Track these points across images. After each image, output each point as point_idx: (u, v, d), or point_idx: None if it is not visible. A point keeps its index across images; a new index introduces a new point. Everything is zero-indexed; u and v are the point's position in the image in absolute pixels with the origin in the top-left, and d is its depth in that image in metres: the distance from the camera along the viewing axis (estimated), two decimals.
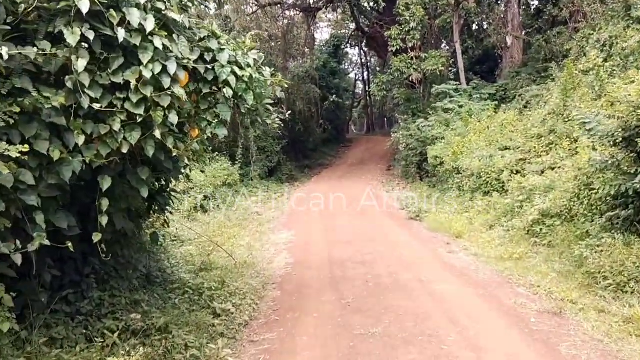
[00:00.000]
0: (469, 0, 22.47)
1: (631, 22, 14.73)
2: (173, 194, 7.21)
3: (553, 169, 12.09)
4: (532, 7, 28.78)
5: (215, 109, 5.13)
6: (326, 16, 43.41)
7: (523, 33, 24.36)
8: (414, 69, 21.72)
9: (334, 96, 34.94)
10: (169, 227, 8.22)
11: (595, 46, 15.53)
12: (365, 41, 32.39)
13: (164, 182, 6.43)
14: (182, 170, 5.70)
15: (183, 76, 4.55)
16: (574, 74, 13.64)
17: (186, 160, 6.63)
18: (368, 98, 49.05)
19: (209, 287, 7.60)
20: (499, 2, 27.03)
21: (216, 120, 5.13)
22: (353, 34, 38.73)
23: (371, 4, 26.67)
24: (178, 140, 4.89)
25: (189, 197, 15.56)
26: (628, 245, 7.39)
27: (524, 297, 7.18)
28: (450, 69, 22.39)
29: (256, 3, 28.58)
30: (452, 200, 15.18)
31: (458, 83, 21.34)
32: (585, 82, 13.82)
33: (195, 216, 14.89)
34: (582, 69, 14.37)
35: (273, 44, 30.44)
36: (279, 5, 28.35)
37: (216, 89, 5.07)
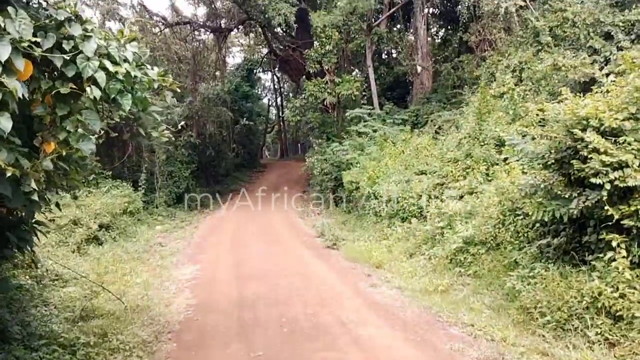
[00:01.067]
0: (381, 26, 22.24)
1: (540, 47, 14.79)
2: (40, 226, 5.67)
3: (472, 193, 11.55)
4: (439, 37, 29.32)
5: (78, 115, 3.78)
6: (238, 40, 42.35)
7: (431, 61, 24.49)
8: (328, 92, 21.02)
9: (245, 119, 33.67)
10: (36, 267, 6.59)
11: (506, 72, 15.51)
12: (278, 65, 31.51)
13: (19, 214, 4.91)
14: (34, 197, 4.19)
15: (22, 65, 3.20)
16: (487, 99, 13.34)
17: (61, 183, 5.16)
18: (282, 123, 48.21)
19: (86, 342, 6.06)
20: (408, 30, 27.19)
21: (79, 131, 3.78)
22: (266, 57, 37.83)
23: (283, 27, 25.84)
24: (20, 156, 3.49)
25: (80, 227, 13.66)
26: (564, 277, 6.71)
27: (459, 341, 6.24)
28: (363, 93, 21.87)
29: (164, 22, 26.95)
30: (370, 226, 14.34)
31: (371, 107, 20.86)
32: (499, 106, 13.59)
33: (86, 249, 13.04)
34: (494, 94, 14.18)
35: (182, 65, 28.82)
36: (188, 25, 26.84)
37: (79, 89, 3.73)
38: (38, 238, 5.57)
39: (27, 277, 7.72)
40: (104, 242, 14.26)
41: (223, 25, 29.12)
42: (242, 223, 19.02)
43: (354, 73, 22.14)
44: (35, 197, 3.57)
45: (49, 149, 3.77)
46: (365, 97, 22.55)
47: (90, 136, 3.92)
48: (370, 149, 17.62)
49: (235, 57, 50.10)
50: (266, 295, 8.62)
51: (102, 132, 16.52)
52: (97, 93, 3.65)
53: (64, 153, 3.76)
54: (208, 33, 30.67)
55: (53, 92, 3.68)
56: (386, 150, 16.63)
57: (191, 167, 24.57)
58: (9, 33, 3.08)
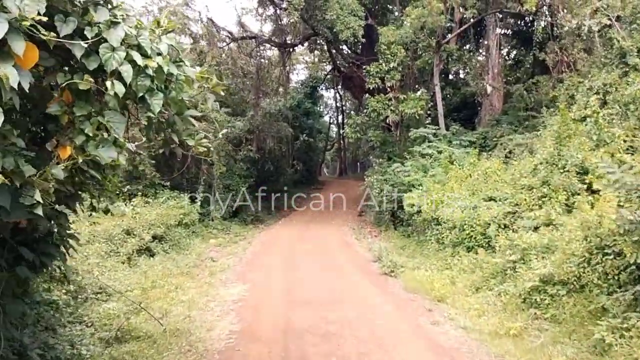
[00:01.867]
0: (450, 44, 21.24)
1: (627, 69, 13.40)
2: (72, 239, 5.12)
3: (549, 225, 10.35)
4: (511, 57, 27.94)
5: (100, 117, 3.14)
6: (303, 57, 42.28)
7: (503, 81, 23.21)
8: (391, 110, 20.15)
9: (306, 136, 33.23)
10: (68, 283, 6.06)
11: (588, 94, 14.16)
12: (341, 81, 30.98)
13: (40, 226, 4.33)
14: (37, 211, 3.48)
15: (21, 49, 2.57)
16: (567, 122, 12.10)
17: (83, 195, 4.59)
18: (342, 141, 47.65)
19: None
20: (479, 50, 26.05)
21: (101, 135, 3.14)
22: (329, 75, 37.42)
23: (349, 43, 25.29)
24: (24, 161, 2.87)
25: (133, 237, 13.36)
26: None
27: None
28: (428, 112, 20.85)
29: (230, 37, 27.00)
30: (431, 254, 13.29)
31: (437, 127, 19.80)
32: (581, 130, 12.30)
33: (137, 261, 12.69)
34: (574, 117, 12.90)
35: (246, 79, 28.81)
36: (253, 40, 26.76)
37: (101, 84, 3.09)
38: (67, 252, 4.99)
39: (64, 291, 7.26)
40: (155, 253, 13.92)
41: (288, 41, 28.89)
42: (296, 241, 18.35)
43: (419, 92, 21.12)
44: (39, 210, 2.92)
45: (64, 155, 3.14)
46: (430, 117, 21.49)
47: (117, 143, 3.26)
48: (434, 170, 16.58)
49: (299, 74, 50.17)
50: (316, 326, 7.80)
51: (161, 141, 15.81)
52: (121, 89, 3.00)
53: (80, 160, 3.10)
54: (273, 49, 30.58)
55: (71, 88, 3.06)
56: (452, 173, 15.54)
57: (249, 182, 24.23)
58: (5, 8, 2.46)
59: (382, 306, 9.09)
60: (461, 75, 30.85)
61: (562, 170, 11.21)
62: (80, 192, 4.20)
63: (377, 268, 13.05)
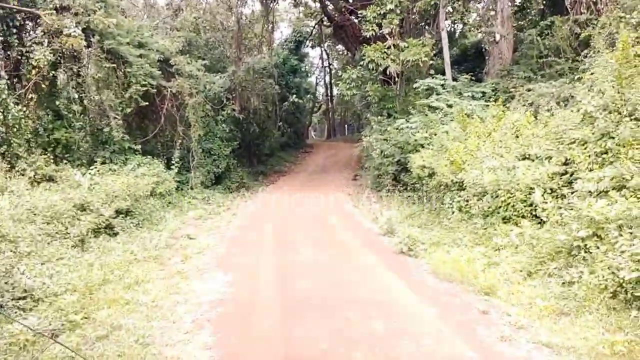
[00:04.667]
0: None
1: None
2: None
3: (620, 188, 7.77)
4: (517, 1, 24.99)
5: None
6: (287, 14, 38.83)
7: (512, 27, 20.33)
8: (391, 59, 17.24)
9: (294, 96, 30.16)
10: None
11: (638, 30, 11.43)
12: (332, 32, 27.71)
13: None
14: None
15: None
16: (630, 58, 9.38)
17: None
18: (329, 102, 44.62)
19: None
20: None
21: None
22: (316, 27, 34.04)
23: None
24: None
25: (88, 214, 10.56)
26: None
27: None
28: (431, 61, 17.93)
29: None
30: (454, 226, 10.69)
31: (444, 78, 16.98)
32: None
33: (92, 242, 9.93)
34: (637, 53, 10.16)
35: (227, 33, 25.59)
36: None
37: None
38: None
39: None
40: (119, 232, 11.16)
41: None
42: (288, 211, 15.69)
43: (422, 38, 18.17)
44: None
45: None
46: (433, 68, 18.63)
47: None
48: (447, 126, 13.84)
49: (282, 33, 46.65)
50: (331, 348, 5.15)
51: (132, 100, 12.00)
52: None
53: None
54: (255, 1, 27.31)
55: None
56: (471, 128, 12.83)
57: (232, 145, 21.39)
58: None
59: (416, 307, 6.44)
60: (459, 27, 27.92)
61: (630, 119, 8.55)
62: None
63: (390, 244, 10.46)
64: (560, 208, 8.76)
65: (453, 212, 11.19)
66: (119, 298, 6.81)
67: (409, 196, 15.47)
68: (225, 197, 18.95)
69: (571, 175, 9.08)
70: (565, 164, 9.34)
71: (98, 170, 12.68)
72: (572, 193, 8.67)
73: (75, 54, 15.14)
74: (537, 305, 6.44)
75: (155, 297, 6.98)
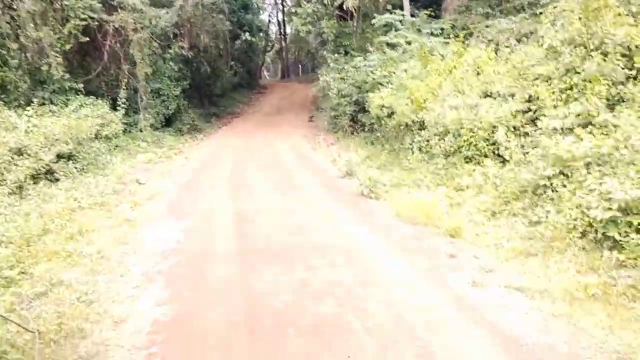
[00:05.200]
0: None
1: None
2: None
3: (586, 125, 7.56)
4: None
5: None
6: None
7: None
8: None
9: (247, 34, 28.69)
10: None
11: None
12: None
13: None
14: None
15: None
16: None
17: None
18: (283, 41, 43.06)
19: None
20: None
21: None
22: None
23: None
24: None
25: (26, 159, 9.65)
26: None
27: None
28: None
29: None
30: (415, 167, 10.38)
31: (403, 13, 16.27)
32: (611, 3, 9.25)
33: (30, 189, 9.11)
34: None
35: None
36: None
37: None
38: None
39: None
40: (61, 178, 10.31)
41: None
42: (243, 154, 15.05)
43: None
44: None
45: None
46: (390, 3, 17.83)
47: None
48: (407, 64, 13.31)
49: None
50: (295, 301, 4.77)
51: (72, 36, 10.49)
52: None
53: None
54: None
55: None
56: (432, 66, 12.35)
57: (182, 85, 20.19)
58: None
59: (382, 252, 6.11)
60: None
61: (596, 53, 8.25)
62: None
63: (350, 187, 10.08)
64: (524, 147, 8.56)
65: (413, 153, 10.87)
66: (60, 250, 6.19)
67: (366, 137, 15.10)
68: (177, 139, 18.05)
69: (534, 113, 8.83)
70: (528, 101, 9.07)
71: (36, 112, 11.56)
72: (536, 131, 8.45)
73: None
74: (503, 246, 6.25)
75: (101, 248, 6.39)
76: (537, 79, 9.16)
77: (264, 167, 12.56)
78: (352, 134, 16.55)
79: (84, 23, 14.39)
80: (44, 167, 9.93)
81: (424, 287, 5.01)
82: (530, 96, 9.02)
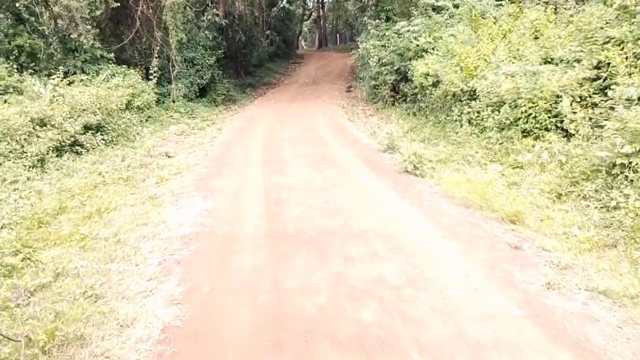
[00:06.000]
0: None
1: None
2: None
3: None
4: None
5: None
6: None
7: None
8: None
9: (284, 1, 27.58)
10: None
11: None
12: None
13: None
14: None
15: None
16: None
17: None
18: (320, 10, 41.64)
19: None
20: None
21: None
22: None
23: None
24: None
25: (50, 130, 9.11)
26: None
27: None
28: None
29: None
30: (464, 141, 9.36)
31: None
32: None
33: (54, 163, 8.58)
34: None
35: None
36: None
37: None
38: None
39: None
40: (87, 150, 9.76)
41: None
42: (278, 125, 14.25)
43: None
44: None
45: None
46: None
47: None
48: (454, 29, 12.11)
49: None
50: (331, 304, 3.98)
51: (102, 1, 9.61)
52: None
53: None
54: None
55: None
56: (483, 30, 11.16)
57: (217, 54, 19.40)
58: None
59: (433, 245, 5.20)
60: None
61: None
62: None
63: (392, 162, 9.19)
64: (592, 119, 7.47)
65: (462, 125, 9.82)
66: (75, 232, 5.56)
67: (408, 108, 14.06)
68: (211, 110, 17.37)
69: (604, 81, 7.68)
70: (597, 67, 7.90)
71: (61, 80, 10.99)
72: (607, 102, 7.33)
73: None
74: (574, 236, 5.29)
75: (119, 229, 5.75)
76: (607, 42, 7.96)
77: (299, 140, 11.74)
78: (393, 104, 15.51)
79: None
80: (68, 139, 9.39)
81: (487, 289, 4.14)
82: (599, 62, 7.85)
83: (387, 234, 5.38)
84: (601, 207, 5.79)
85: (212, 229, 5.81)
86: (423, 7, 14.12)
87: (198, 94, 18.17)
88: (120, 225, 5.89)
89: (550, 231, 5.46)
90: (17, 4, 12.80)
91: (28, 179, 7.62)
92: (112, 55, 14.36)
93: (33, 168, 8.14)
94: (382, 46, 15.65)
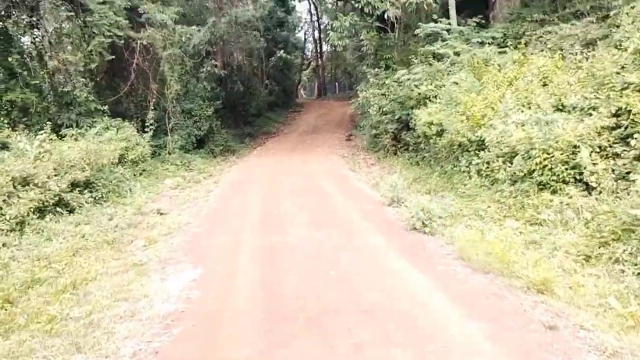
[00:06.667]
0: None
1: None
2: None
3: None
4: None
5: None
6: None
7: None
8: (390, 2, 14.91)
9: (282, 51, 27.61)
10: None
11: None
12: None
13: None
14: None
15: None
16: None
17: None
18: (319, 59, 41.97)
19: None
20: None
21: None
22: None
23: None
24: None
25: (33, 189, 8.49)
26: None
27: None
28: (435, 3, 15.56)
29: None
30: (473, 194, 8.74)
31: (449, 22, 14.70)
32: None
33: (37, 224, 7.93)
34: None
35: None
36: None
37: None
38: None
39: None
40: (73, 209, 9.13)
41: None
42: (277, 177, 13.68)
43: None
44: None
45: None
46: (434, 14, 16.29)
47: None
48: (456, 76, 11.71)
49: None
50: None
51: (97, 55, 9.12)
52: None
53: None
54: None
55: None
56: (487, 77, 10.74)
57: (215, 105, 19.12)
58: None
59: (453, 323, 4.47)
60: None
61: None
62: None
63: (398, 217, 8.53)
64: (614, 171, 6.87)
65: (471, 177, 9.23)
66: (42, 311, 4.85)
67: (411, 157, 13.55)
68: (208, 162, 16.87)
69: (625, 129, 7.13)
70: (615, 115, 7.36)
71: (49, 135, 10.48)
72: (630, 152, 6.77)
73: (27, 2, 12.92)
74: (611, 307, 4.58)
75: (94, 307, 5.03)
76: (625, 88, 7.46)
77: (300, 193, 11.12)
78: (395, 153, 15.03)
79: (109, 40, 13.43)
80: (52, 198, 8.75)
81: None
82: (618, 109, 7.33)
83: (398, 311, 4.66)
84: (639, 273, 5.10)
85: (200, 306, 5.08)
86: (424, 54, 13.82)
87: (195, 145, 17.74)
88: (96, 302, 5.19)
89: (583, 302, 4.75)
90: (10, 59, 12.53)
91: (4, 244, 6.97)
92: (106, 107, 13.96)
93: (11, 232, 7.49)
94: (382, 95, 15.30)
